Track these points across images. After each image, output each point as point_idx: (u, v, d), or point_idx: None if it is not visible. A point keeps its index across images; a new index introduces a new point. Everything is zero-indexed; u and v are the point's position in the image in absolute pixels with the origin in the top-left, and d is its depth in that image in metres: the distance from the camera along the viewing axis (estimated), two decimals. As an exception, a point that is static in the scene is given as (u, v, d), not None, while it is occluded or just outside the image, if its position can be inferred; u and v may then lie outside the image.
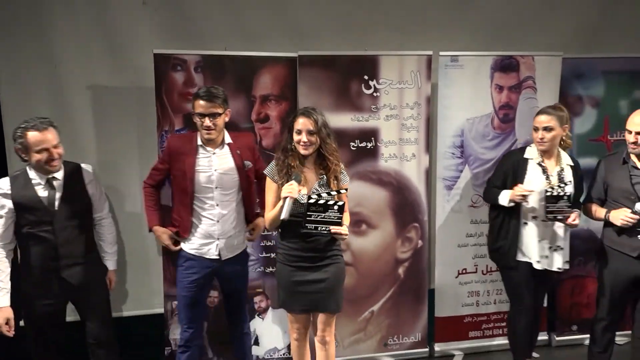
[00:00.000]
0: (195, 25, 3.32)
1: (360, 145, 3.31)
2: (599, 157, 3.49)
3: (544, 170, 2.91)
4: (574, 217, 2.82)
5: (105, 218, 2.83)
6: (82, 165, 2.73)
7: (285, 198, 2.45)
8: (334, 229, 2.50)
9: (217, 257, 2.77)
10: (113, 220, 2.92)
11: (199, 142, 2.73)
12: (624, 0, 3.83)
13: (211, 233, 2.75)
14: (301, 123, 2.53)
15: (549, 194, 2.80)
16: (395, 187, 3.39)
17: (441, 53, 3.34)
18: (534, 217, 2.92)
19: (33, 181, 2.56)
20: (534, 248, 2.93)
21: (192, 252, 2.77)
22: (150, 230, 2.86)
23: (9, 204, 2.52)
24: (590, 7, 3.80)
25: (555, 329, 3.75)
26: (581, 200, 3.07)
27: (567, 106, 3.09)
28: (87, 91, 3.23)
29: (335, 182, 2.59)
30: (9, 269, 2.57)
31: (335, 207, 2.48)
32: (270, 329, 3.40)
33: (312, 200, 2.46)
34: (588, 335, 3.19)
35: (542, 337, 3.64)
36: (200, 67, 3.07)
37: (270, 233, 3.25)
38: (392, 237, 3.43)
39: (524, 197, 2.83)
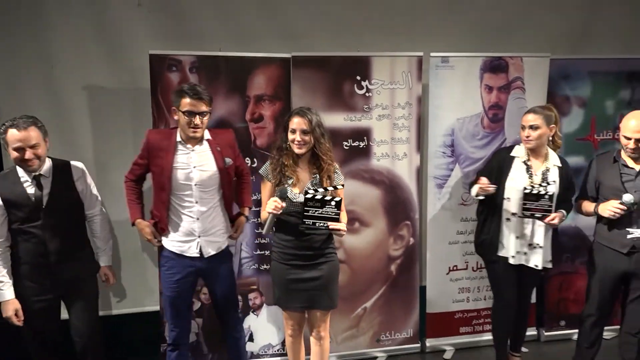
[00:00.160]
0: (190, 26, 3.35)
1: (353, 144, 3.35)
2: (586, 156, 3.58)
3: (528, 169, 2.96)
4: (553, 217, 2.85)
5: (97, 215, 2.81)
6: (72, 162, 2.72)
7: (270, 213, 2.51)
8: (332, 224, 2.53)
9: (199, 255, 2.71)
10: (107, 218, 2.90)
11: (178, 139, 2.67)
12: (610, 3, 3.90)
13: (192, 231, 2.69)
14: (296, 122, 2.57)
15: (527, 191, 2.85)
16: (388, 186, 3.43)
17: (432, 54, 3.38)
18: (514, 214, 2.97)
19: (21, 178, 2.56)
20: (512, 244, 2.99)
21: (174, 249, 2.71)
22: (133, 224, 2.78)
23: None
24: (577, 10, 3.87)
25: (544, 324, 3.80)
26: (573, 199, 3.11)
27: (555, 106, 3.13)
28: (83, 91, 3.26)
29: (328, 181, 2.63)
30: (10, 264, 2.58)
31: (333, 203, 2.51)
32: (264, 326, 3.43)
33: (309, 195, 2.49)
34: (576, 330, 3.22)
35: (531, 332, 3.73)
36: (195, 68, 3.10)
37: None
38: (385, 234, 3.48)
39: (487, 191, 2.90)
